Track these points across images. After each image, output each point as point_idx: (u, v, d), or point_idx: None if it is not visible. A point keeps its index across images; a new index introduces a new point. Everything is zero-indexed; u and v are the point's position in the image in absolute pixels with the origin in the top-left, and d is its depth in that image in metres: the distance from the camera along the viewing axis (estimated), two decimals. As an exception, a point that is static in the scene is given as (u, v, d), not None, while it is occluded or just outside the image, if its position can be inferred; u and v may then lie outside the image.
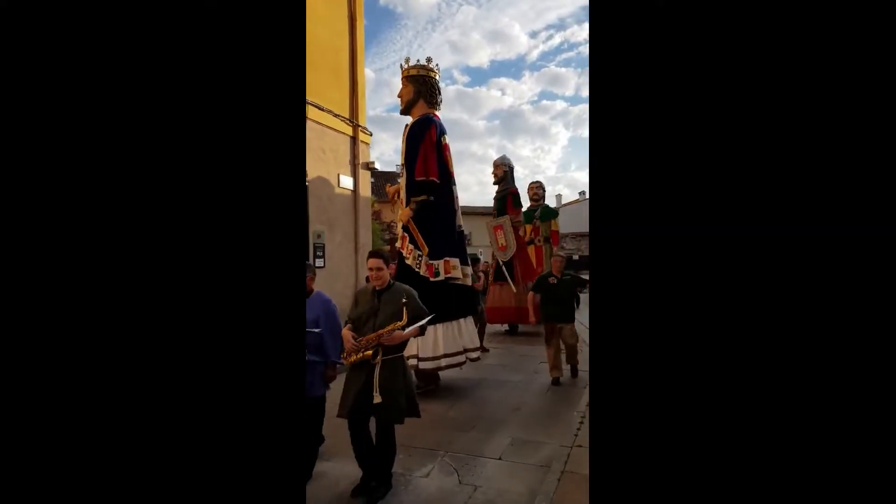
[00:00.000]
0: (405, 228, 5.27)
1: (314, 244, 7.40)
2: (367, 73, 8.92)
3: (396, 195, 5.65)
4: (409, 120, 5.65)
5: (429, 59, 5.63)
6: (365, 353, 2.76)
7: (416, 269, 5.07)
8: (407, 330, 2.79)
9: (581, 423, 4.07)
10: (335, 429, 3.31)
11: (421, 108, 5.55)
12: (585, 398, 4.69)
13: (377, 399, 2.71)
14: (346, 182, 8.23)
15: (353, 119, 8.48)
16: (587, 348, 5.65)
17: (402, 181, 5.54)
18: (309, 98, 7.21)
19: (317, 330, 3.01)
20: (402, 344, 2.93)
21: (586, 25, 1.20)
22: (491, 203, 10.02)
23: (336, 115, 7.98)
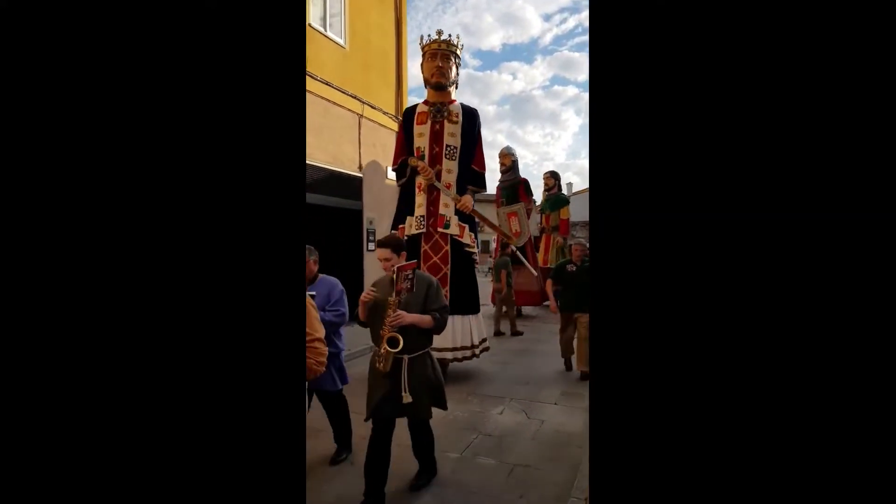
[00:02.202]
0: (467, 217, 5.26)
1: (367, 230, 8.28)
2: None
3: (428, 173, 5.20)
4: (416, 101, 5.58)
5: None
6: (387, 349, 2.49)
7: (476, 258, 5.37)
8: (413, 315, 2.57)
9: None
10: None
11: (452, 92, 5.34)
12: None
13: (406, 399, 2.55)
14: (392, 174, 9.05)
15: (398, 115, 9.27)
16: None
17: (449, 165, 5.28)
18: (364, 97, 8.04)
19: (321, 313, 2.81)
20: (428, 339, 2.73)
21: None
22: (494, 191, 10.13)
23: (385, 113, 8.79)
